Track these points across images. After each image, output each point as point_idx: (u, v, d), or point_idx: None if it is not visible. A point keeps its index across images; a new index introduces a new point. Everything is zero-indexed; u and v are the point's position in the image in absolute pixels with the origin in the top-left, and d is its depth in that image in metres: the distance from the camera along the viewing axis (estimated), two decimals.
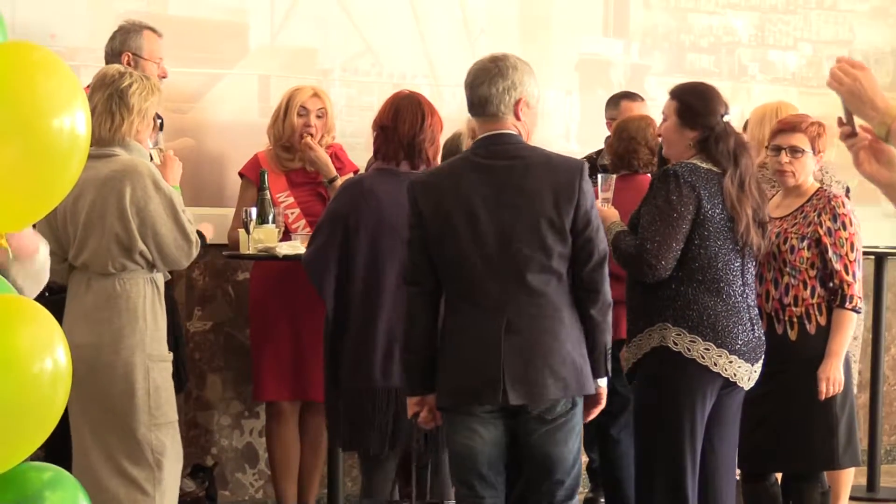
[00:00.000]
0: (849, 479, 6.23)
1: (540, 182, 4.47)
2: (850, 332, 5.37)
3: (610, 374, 4.62)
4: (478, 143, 4.59)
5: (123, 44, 5.87)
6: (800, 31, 8.14)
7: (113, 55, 5.86)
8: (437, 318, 4.55)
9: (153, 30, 5.94)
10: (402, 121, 5.20)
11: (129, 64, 5.78)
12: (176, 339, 5.68)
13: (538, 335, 4.46)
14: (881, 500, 7.38)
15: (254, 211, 5.81)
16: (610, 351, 4.60)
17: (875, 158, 3.21)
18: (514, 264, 4.44)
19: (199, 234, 5.39)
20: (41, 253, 3.53)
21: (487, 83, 4.52)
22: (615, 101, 6.93)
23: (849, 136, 3.25)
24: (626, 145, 6.03)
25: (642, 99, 6.85)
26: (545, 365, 4.43)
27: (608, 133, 6.75)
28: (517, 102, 4.54)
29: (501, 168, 4.49)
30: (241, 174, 6.23)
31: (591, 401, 4.60)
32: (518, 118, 4.56)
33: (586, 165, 4.59)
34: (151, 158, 5.09)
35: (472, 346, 4.46)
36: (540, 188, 4.46)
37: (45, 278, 4.02)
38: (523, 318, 4.45)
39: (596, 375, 4.55)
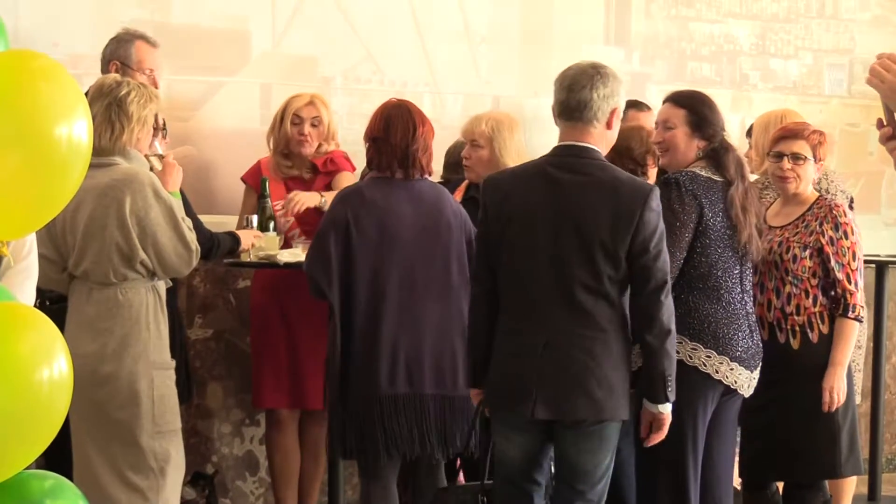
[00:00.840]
0: (851, 487, 6.22)
1: (600, 204, 4.45)
2: (853, 341, 5.37)
3: (670, 399, 4.55)
4: (555, 151, 4.58)
5: (113, 52, 5.87)
6: (801, 39, 8.14)
7: (104, 63, 5.87)
8: (496, 316, 4.58)
9: (147, 40, 5.91)
10: (393, 132, 5.18)
11: (115, 72, 5.79)
12: (180, 348, 5.71)
13: (576, 354, 4.45)
14: None
15: (254, 218, 5.82)
16: (671, 377, 4.52)
17: None
18: (563, 281, 4.44)
19: (236, 238, 5.44)
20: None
21: (589, 88, 4.50)
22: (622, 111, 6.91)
23: (890, 137, 3.21)
24: (611, 156, 5.96)
25: (649, 108, 6.83)
26: (578, 384, 4.44)
27: None
28: (613, 112, 4.56)
29: (567, 182, 4.48)
30: (243, 180, 6.23)
31: (652, 425, 4.58)
32: (610, 127, 4.57)
33: (655, 191, 4.52)
34: (152, 168, 5.09)
35: (514, 354, 4.51)
36: (598, 210, 4.44)
37: (35, 272, 4.05)
38: (565, 336, 4.45)
39: (652, 400, 4.54)
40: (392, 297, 5.10)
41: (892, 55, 3.18)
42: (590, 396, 4.43)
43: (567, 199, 4.46)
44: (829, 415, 5.32)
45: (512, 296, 4.54)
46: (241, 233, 5.69)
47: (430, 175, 5.32)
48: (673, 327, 4.53)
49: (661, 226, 4.51)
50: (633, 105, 6.93)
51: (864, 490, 7.28)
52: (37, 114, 2.99)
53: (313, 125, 6.12)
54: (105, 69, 5.83)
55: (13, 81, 3.00)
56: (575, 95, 4.51)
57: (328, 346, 5.19)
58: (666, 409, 4.55)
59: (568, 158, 4.54)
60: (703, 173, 5.00)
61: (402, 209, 5.14)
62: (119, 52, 5.87)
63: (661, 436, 4.59)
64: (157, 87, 5.76)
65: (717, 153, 5.02)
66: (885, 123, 3.20)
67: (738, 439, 5.37)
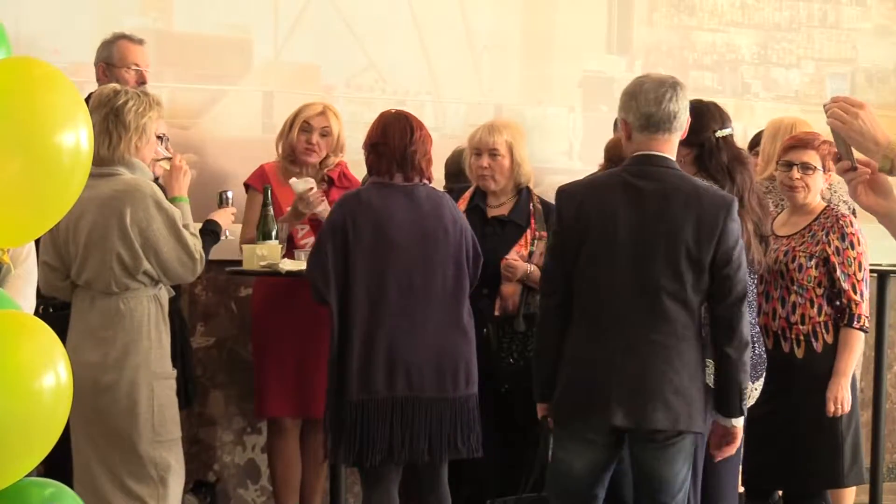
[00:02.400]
0: (851, 496, 6.22)
1: (683, 212, 4.48)
2: (858, 352, 5.37)
3: (745, 413, 4.58)
4: (633, 161, 4.58)
5: (99, 56, 5.94)
6: (803, 48, 8.14)
7: (95, 68, 5.95)
8: (566, 329, 4.55)
9: (130, 38, 5.95)
10: (391, 136, 5.23)
11: (103, 74, 5.87)
12: (184, 355, 5.72)
13: (655, 362, 4.46)
14: None
15: (230, 194, 5.74)
16: (746, 390, 4.56)
17: (872, 190, 3.38)
18: (645, 289, 4.46)
19: (215, 230, 5.37)
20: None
21: (675, 100, 4.55)
22: None
23: (848, 170, 3.39)
24: (608, 166, 5.95)
25: None
26: (656, 393, 4.44)
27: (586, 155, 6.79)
28: (687, 121, 4.61)
29: (649, 191, 4.50)
30: (245, 185, 6.23)
31: (723, 439, 4.61)
32: (684, 136, 4.62)
33: (735, 202, 4.56)
34: (156, 179, 5.09)
35: (590, 362, 4.48)
36: (683, 218, 4.47)
37: (34, 277, 4.05)
38: (644, 344, 4.46)
39: (727, 414, 4.56)
40: (389, 300, 5.12)
41: (847, 98, 3.39)
42: (667, 407, 4.45)
43: (650, 208, 4.48)
44: (833, 424, 5.31)
45: (589, 304, 4.52)
46: (216, 216, 5.56)
47: (430, 180, 5.34)
48: (750, 339, 4.56)
49: (741, 237, 4.56)
50: None
51: (865, 499, 7.27)
52: (37, 121, 2.99)
53: (322, 135, 6.14)
54: (97, 75, 5.88)
55: (14, 88, 3.00)
56: (663, 107, 4.53)
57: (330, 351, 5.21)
58: (739, 422, 4.58)
59: (647, 168, 4.54)
60: (703, 183, 4.99)
61: (401, 213, 5.17)
62: (101, 54, 5.93)
63: (732, 449, 4.61)
64: (145, 82, 5.81)
65: (702, 159, 5.00)
66: (841, 158, 3.42)
67: (742, 448, 5.36)
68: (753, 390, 5.04)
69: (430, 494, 5.30)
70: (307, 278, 5.26)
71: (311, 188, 5.90)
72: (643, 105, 4.54)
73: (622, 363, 4.43)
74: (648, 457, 4.54)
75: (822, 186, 5.49)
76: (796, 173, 5.40)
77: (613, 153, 5.81)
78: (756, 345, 5.04)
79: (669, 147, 4.58)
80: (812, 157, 5.41)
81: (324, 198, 5.95)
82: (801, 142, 5.47)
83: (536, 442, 5.87)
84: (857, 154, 3.43)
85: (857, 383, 5.65)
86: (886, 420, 7.67)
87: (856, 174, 3.41)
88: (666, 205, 4.48)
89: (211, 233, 5.36)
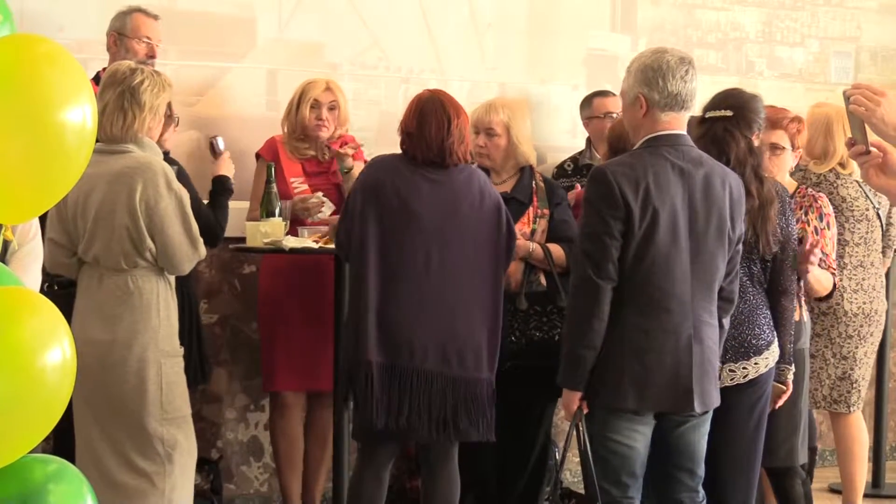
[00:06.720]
0: (861, 478, 6.24)
1: (722, 193, 4.52)
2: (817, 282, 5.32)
3: None
4: (664, 140, 4.52)
5: (112, 25, 5.99)
6: (807, 27, 8.13)
7: (107, 37, 5.99)
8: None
9: (145, 12, 6.01)
10: (427, 127, 5.15)
11: (113, 43, 5.92)
12: (198, 333, 5.75)
13: (712, 344, 4.54)
14: (886, 497, 7.38)
15: (220, 140, 5.92)
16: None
17: (883, 172, 3.60)
18: (704, 272, 4.49)
19: (227, 181, 5.67)
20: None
21: (695, 77, 4.53)
22: (588, 101, 6.90)
23: (862, 153, 3.60)
24: (609, 152, 5.89)
25: (615, 94, 6.68)
26: (712, 375, 4.55)
27: (587, 134, 6.78)
28: None
29: (694, 173, 4.49)
30: (257, 155, 6.25)
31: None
32: None
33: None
34: (167, 153, 5.12)
35: (662, 351, 4.44)
36: (722, 199, 4.52)
37: (41, 255, 4.06)
38: (704, 328, 4.50)
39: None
40: (403, 271, 5.09)
41: (869, 86, 3.60)
42: (714, 385, 4.57)
43: (697, 188, 4.48)
44: (792, 403, 5.28)
45: (652, 293, 4.44)
46: (220, 170, 5.79)
47: (466, 161, 5.29)
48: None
49: None
50: (598, 94, 6.90)
51: (869, 478, 7.29)
52: (41, 98, 2.99)
53: (330, 109, 6.19)
54: (108, 44, 5.94)
55: (18, 66, 3.00)
56: (689, 86, 4.51)
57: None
58: None
59: (681, 148, 4.52)
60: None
61: (428, 185, 5.11)
62: (115, 23, 5.97)
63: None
64: (154, 57, 5.85)
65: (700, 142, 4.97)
66: (855, 142, 3.62)
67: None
68: (730, 371, 4.99)
69: (439, 473, 5.27)
70: (334, 239, 5.32)
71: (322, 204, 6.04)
72: (671, 83, 4.48)
73: (692, 350, 4.44)
74: (687, 432, 4.58)
75: (790, 164, 5.49)
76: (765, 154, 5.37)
77: (617, 142, 5.76)
78: (737, 325, 5.03)
79: (683, 125, 4.57)
80: (780, 138, 5.41)
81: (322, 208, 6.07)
82: (768, 122, 5.44)
83: (538, 420, 5.92)
84: (870, 137, 3.61)
85: (807, 358, 5.57)
86: (889, 399, 7.69)
87: (869, 157, 3.59)
88: (709, 186, 4.50)
89: (227, 191, 5.62)
